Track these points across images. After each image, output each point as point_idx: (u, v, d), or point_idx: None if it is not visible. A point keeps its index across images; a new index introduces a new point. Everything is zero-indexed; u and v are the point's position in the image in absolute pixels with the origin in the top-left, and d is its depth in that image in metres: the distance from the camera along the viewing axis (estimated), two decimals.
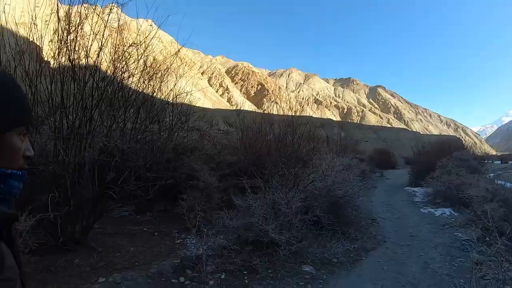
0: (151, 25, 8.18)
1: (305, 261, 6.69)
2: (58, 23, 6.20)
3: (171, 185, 8.72)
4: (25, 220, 4.58)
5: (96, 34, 6.56)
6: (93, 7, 6.71)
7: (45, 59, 6.27)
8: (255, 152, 10.34)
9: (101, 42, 6.63)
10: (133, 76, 7.63)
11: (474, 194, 10.45)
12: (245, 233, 6.81)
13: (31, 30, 6.07)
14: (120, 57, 7.07)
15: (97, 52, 6.58)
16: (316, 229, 7.94)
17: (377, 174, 26.57)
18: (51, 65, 6.18)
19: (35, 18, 6.09)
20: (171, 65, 8.72)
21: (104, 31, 6.68)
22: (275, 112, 11.78)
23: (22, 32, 6.19)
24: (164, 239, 7.66)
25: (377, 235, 9.07)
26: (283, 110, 11.31)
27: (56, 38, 6.18)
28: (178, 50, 9.19)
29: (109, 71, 6.94)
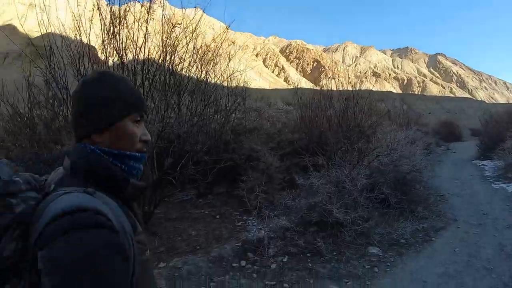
0: (195, 7, 8.07)
1: (372, 242, 6.36)
2: (100, 17, 6.32)
3: (231, 167, 8.64)
4: None
5: (141, 23, 6.62)
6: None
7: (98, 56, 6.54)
8: (315, 128, 10.09)
9: (146, 28, 6.66)
10: (184, 61, 7.62)
11: None
12: (308, 214, 6.57)
13: (77, 30, 6.30)
14: (167, 43, 7.08)
15: (144, 41, 6.69)
16: (382, 208, 7.52)
17: (442, 147, 25.46)
18: (100, 59, 6.48)
19: (79, 16, 6.27)
20: (221, 44, 8.58)
21: (147, 17, 6.69)
22: (333, 88, 11.36)
23: (69, 32, 6.39)
24: (225, 221, 7.58)
25: (447, 213, 8.50)
26: (342, 85, 10.87)
27: (101, 33, 6.38)
28: (227, 28, 9.00)
29: (158, 58, 7.07)
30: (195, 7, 8.23)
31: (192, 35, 7.48)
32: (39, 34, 6.41)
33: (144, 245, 1.19)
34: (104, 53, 6.35)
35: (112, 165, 1.21)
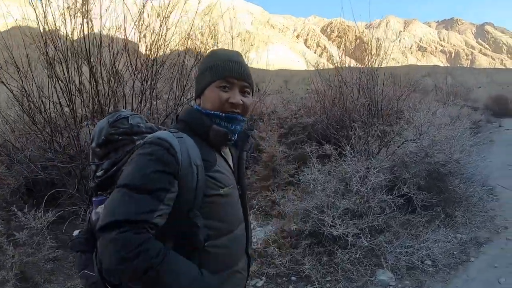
0: None
1: (383, 264, 4.61)
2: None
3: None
4: None
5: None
6: None
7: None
8: (333, 109, 8.63)
9: None
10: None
11: None
12: (302, 221, 4.91)
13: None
14: None
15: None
16: (405, 213, 5.69)
17: (494, 124, 23.66)
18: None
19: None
20: None
21: None
22: (376, 65, 9.59)
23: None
24: None
25: (496, 215, 6.55)
26: (384, 62, 9.00)
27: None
28: None
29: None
30: None
31: None
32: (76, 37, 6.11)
33: (218, 182, 1.50)
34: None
35: (202, 117, 1.56)
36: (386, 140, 6.53)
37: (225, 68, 1.57)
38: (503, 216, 6.53)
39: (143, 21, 6.19)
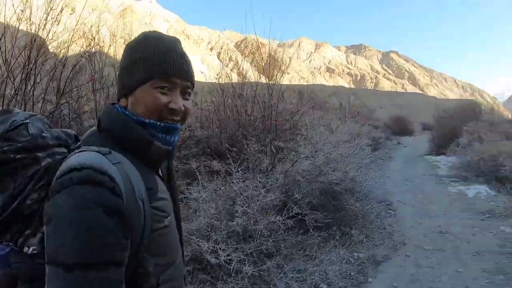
0: None
1: None
2: None
3: None
4: None
5: None
6: None
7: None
8: (228, 123, 8.11)
9: None
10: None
11: None
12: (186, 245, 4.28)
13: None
14: None
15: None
16: (298, 234, 5.24)
17: (393, 141, 25.47)
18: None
19: None
20: None
21: None
22: (286, 82, 9.38)
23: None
24: None
25: (394, 232, 6.42)
26: (290, 79, 8.77)
27: None
28: None
29: None
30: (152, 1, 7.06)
31: None
32: None
33: (162, 212, 1.13)
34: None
35: (137, 127, 1.15)
36: (279, 157, 6.15)
37: (168, 64, 1.19)
38: (401, 231, 6.43)
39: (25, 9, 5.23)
